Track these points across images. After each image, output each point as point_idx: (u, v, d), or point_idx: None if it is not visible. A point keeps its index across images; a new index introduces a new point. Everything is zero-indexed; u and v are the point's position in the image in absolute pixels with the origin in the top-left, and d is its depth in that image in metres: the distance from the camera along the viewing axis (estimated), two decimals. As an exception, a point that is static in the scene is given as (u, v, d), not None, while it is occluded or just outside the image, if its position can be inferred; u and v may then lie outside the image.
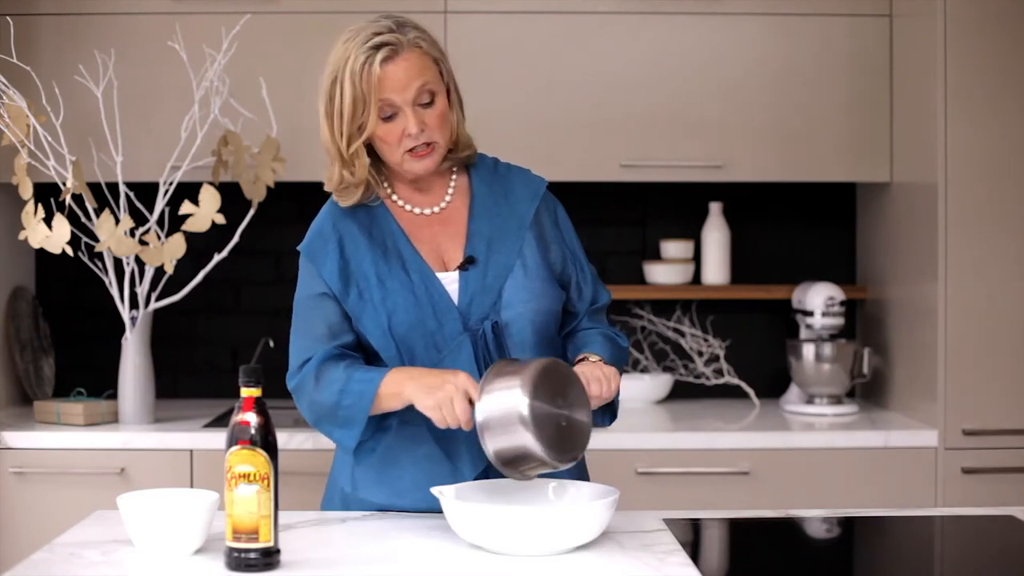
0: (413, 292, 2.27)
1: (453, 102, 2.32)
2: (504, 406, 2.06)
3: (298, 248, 2.36)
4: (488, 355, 2.27)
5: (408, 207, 2.36)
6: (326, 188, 2.36)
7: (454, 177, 2.39)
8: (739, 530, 2.21)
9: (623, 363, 2.40)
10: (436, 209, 2.36)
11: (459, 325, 2.27)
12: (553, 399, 2.09)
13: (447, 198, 2.37)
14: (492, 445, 2.07)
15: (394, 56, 2.23)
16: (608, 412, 2.36)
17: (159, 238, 3.49)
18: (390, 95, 2.23)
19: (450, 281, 2.29)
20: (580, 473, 2.37)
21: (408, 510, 2.28)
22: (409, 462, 2.28)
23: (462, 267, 2.30)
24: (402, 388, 2.18)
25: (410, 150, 2.27)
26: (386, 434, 2.29)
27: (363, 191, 2.32)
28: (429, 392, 2.14)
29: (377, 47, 2.23)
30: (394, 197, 2.36)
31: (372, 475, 2.32)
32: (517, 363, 2.13)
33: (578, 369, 2.23)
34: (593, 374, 2.22)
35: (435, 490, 2.10)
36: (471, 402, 2.11)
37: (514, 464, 2.08)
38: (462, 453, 2.26)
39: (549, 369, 2.11)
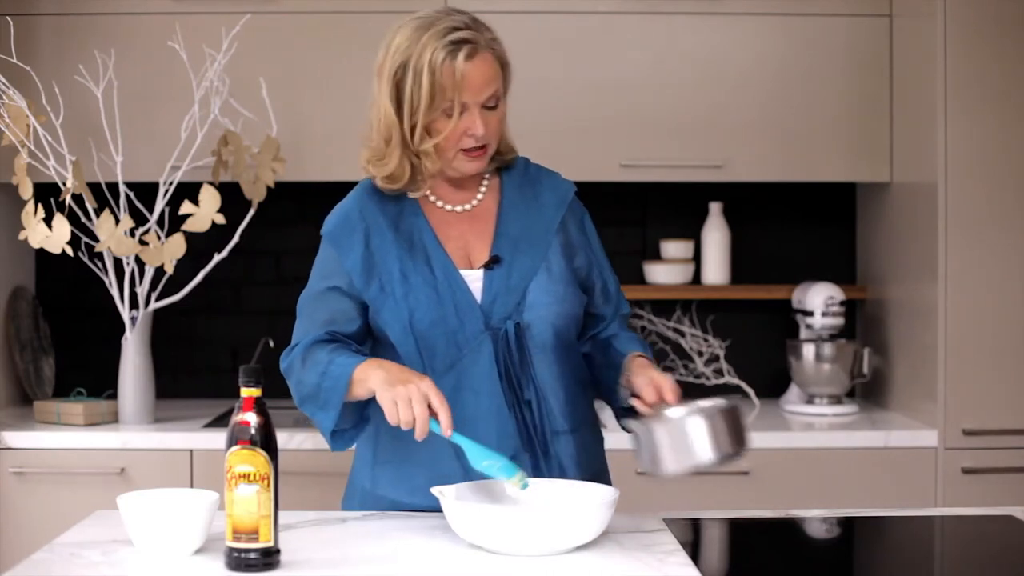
0: (436, 289, 2.26)
1: (504, 106, 2.32)
2: (691, 453, 2.03)
3: (321, 232, 2.35)
4: (509, 355, 2.27)
5: (439, 203, 2.35)
6: (372, 173, 2.33)
7: (487, 177, 2.39)
8: (739, 530, 2.21)
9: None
10: (467, 207, 2.36)
11: (480, 324, 2.26)
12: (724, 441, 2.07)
13: (479, 196, 2.37)
14: (669, 467, 2.03)
15: (474, 55, 2.22)
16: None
17: (159, 238, 3.49)
18: (465, 95, 2.22)
19: (474, 279, 2.29)
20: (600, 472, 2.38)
21: (424, 508, 2.27)
22: (426, 460, 2.27)
23: (487, 266, 2.29)
24: (368, 376, 2.15)
25: (465, 149, 2.27)
26: (406, 431, 2.27)
27: (417, 182, 2.31)
28: (390, 386, 2.10)
29: (458, 43, 2.21)
30: (426, 191, 2.36)
31: (390, 472, 2.32)
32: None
33: (652, 374, 2.21)
34: (669, 383, 2.20)
35: (435, 490, 2.10)
36: (430, 409, 2.08)
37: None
38: None
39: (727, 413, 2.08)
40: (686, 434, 2.02)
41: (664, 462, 2.04)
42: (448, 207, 2.35)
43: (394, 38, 2.27)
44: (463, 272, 2.29)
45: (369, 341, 2.36)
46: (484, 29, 2.26)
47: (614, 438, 3.33)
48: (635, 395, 2.21)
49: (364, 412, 2.29)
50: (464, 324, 2.26)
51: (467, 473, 2.20)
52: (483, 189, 2.37)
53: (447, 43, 2.20)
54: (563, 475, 2.28)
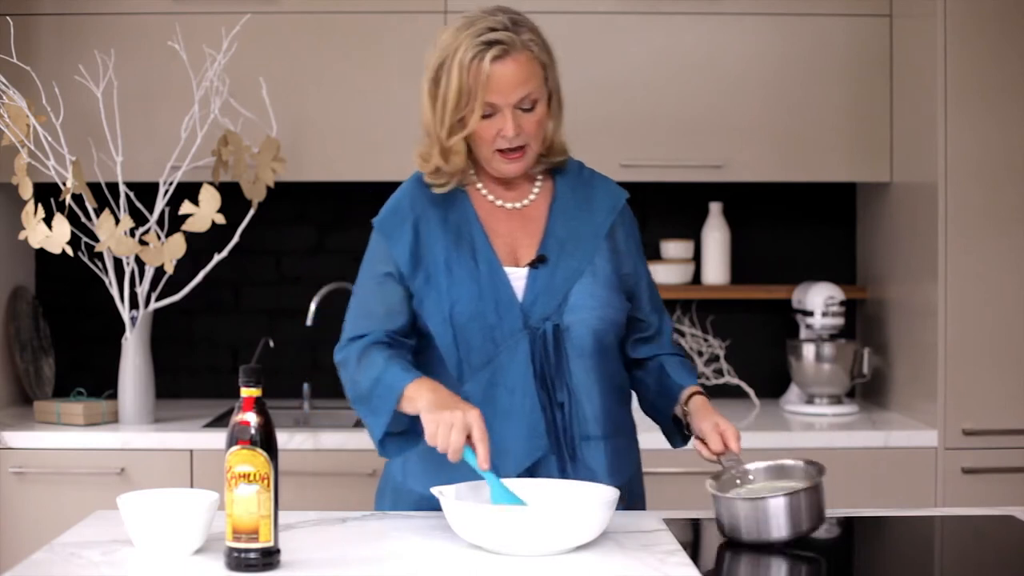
0: (478, 283, 2.27)
1: (553, 108, 2.31)
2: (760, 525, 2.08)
3: (372, 221, 2.36)
4: (545, 356, 2.27)
5: (491, 197, 2.36)
6: (419, 168, 2.35)
7: (540, 179, 2.39)
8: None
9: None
10: (518, 205, 2.36)
11: (519, 322, 2.27)
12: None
13: (531, 196, 2.37)
14: (744, 536, 2.09)
15: (504, 56, 2.22)
16: (680, 435, 2.41)
17: (159, 238, 3.49)
18: (493, 96, 2.23)
19: (518, 277, 2.30)
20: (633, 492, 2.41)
21: None
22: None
23: (532, 264, 2.30)
24: (418, 396, 2.18)
25: (501, 150, 2.27)
26: None
27: (456, 178, 2.33)
28: (437, 409, 2.13)
29: (489, 43, 2.22)
30: (479, 186, 2.36)
31: (421, 465, 2.32)
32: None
33: (716, 420, 2.26)
34: (733, 430, 2.26)
35: (435, 490, 2.10)
36: (469, 438, 2.11)
37: None
38: (509, 449, 2.25)
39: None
40: (767, 513, 2.07)
41: (740, 532, 2.09)
42: (499, 203, 2.36)
43: (441, 35, 2.29)
44: (507, 269, 2.30)
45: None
46: (525, 30, 2.26)
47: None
48: (699, 438, 2.28)
49: (416, 426, 2.26)
50: (503, 320, 2.26)
51: (498, 470, 2.20)
52: (536, 189, 2.38)
53: (478, 43, 2.21)
54: (590, 480, 2.28)
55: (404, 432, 2.27)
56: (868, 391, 3.88)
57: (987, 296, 3.37)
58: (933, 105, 3.38)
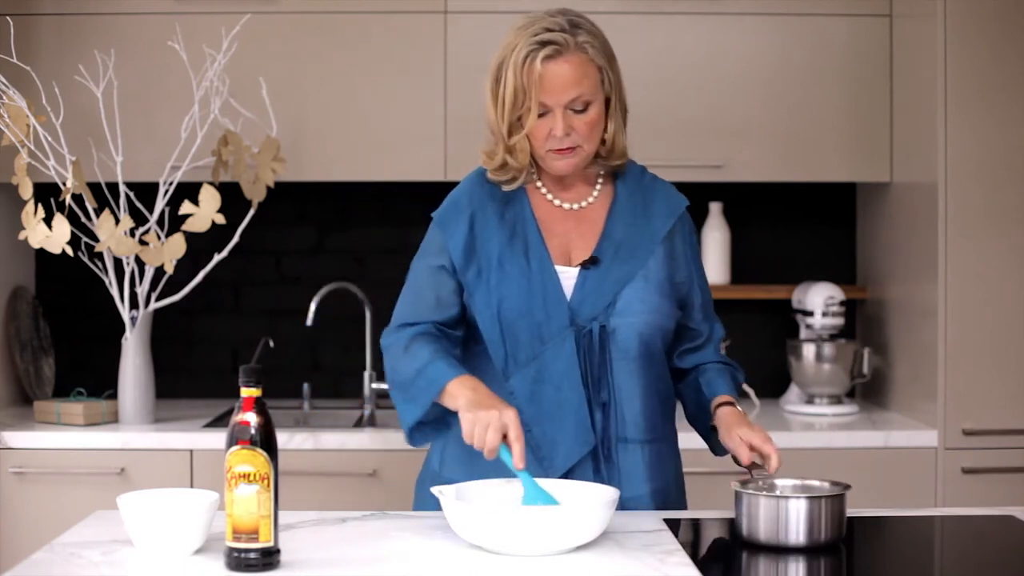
0: (528, 280, 2.29)
1: (613, 110, 2.32)
2: None
3: (432, 214, 2.38)
4: (590, 355, 2.28)
5: (550, 196, 2.37)
6: (484, 164, 2.37)
7: (600, 181, 2.40)
8: (739, 531, 2.20)
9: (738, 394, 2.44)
10: (576, 206, 2.38)
11: (566, 320, 2.28)
12: None
13: (590, 199, 2.39)
14: (761, 537, 2.09)
15: (556, 56, 2.23)
16: (719, 444, 2.39)
17: (159, 238, 3.49)
18: (544, 96, 2.24)
19: (568, 277, 2.31)
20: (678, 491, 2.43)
21: None
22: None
23: (584, 265, 2.31)
24: (459, 394, 2.20)
25: (553, 149, 2.29)
26: None
27: (523, 174, 2.34)
28: (475, 408, 2.15)
29: (543, 43, 2.23)
30: (538, 184, 2.38)
31: (459, 454, 2.32)
32: None
33: (742, 433, 2.26)
34: (762, 436, 2.26)
35: (435, 490, 2.10)
36: (505, 437, 2.13)
37: None
38: (558, 443, 2.27)
39: None
40: (787, 515, 2.07)
41: (758, 532, 2.09)
42: (557, 202, 2.37)
43: (506, 35, 2.30)
44: (558, 268, 2.31)
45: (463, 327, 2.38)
46: (582, 32, 2.27)
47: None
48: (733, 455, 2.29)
49: (447, 417, 2.30)
50: (550, 318, 2.28)
51: (540, 466, 2.24)
52: (596, 192, 2.39)
53: (533, 42, 2.23)
54: (625, 483, 2.29)
55: (434, 421, 2.30)
56: (868, 391, 3.88)
57: (987, 296, 3.37)
58: (933, 105, 3.38)
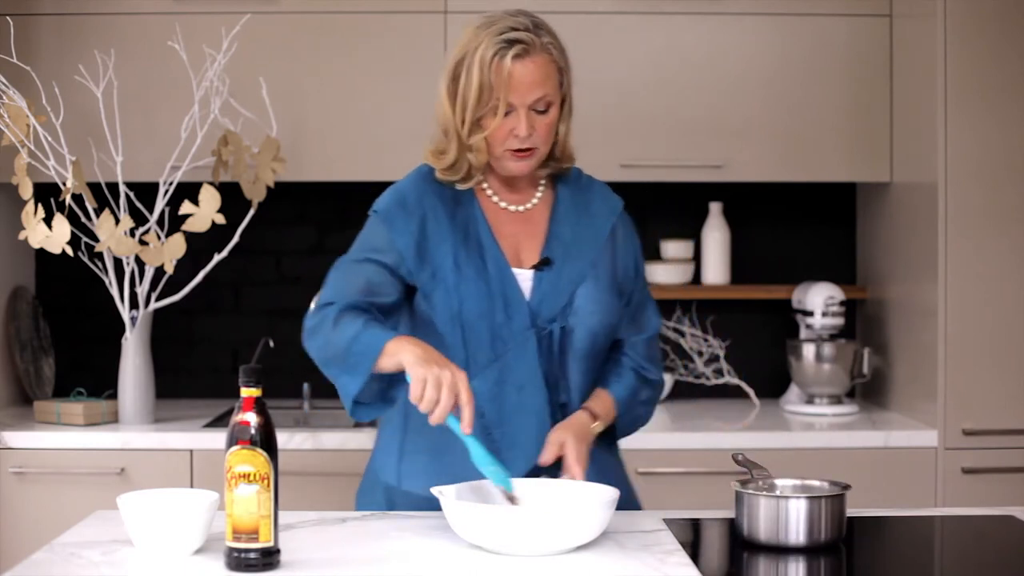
0: (487, 282, 2.28)
1: (565, 113, 2.33)
2: None
3: (373, 209, 2.34)
4: (550, 356, 2.29)
5: (496, 199, 2.37)
6: (432, 163, 2.34)
7: (542, 182, 2.40)
8: (739, 530, 2.20)
9: (640, 399, 2.41)
10: (521, 208, 2.37)
11: (527, 321, 2.28)
12: None
13: (534, 200, 2.38)
14: (760, 536, 2.09)
15: (524, 56, 2.24)
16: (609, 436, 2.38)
17: (159, 238, 3.49)
18: (510, 95, 2.23)
19: (524, 279, 2.31)
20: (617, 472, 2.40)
21: None
22: (461, 452, 2.21)
23: (538, 267, 2.31)
24: (401, 350, 2.12)
25: (511, 149, 2.28)
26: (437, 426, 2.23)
27: (477, 173, 2.32)
28: (426, 364, 2.08)
29: (510, 42, 2.23)
30: (484, 186, 2.37)
31: (420, 466, 2.31)
32: None
33: (559, 436, 2.25)
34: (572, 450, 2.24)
35: (435, 490, 2.10)
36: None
37: None
38: (520, 446, 2.27)
39: None
40: (787, 514, 2.07)
41: (758, 532, 2.09)
42: (503, 204, 2.37)
43: (462, 34, 2.30)
44: (514, 270, 2.31)
45: (403, 320, 2.34)
46: (545, 33, 2.28)
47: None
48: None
49: (389, 392, 2.24)
50: (511, 320, 2.28)
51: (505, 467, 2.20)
52: (539, 193, 2.39)
53: (500, 41, 2.23)
54: (586, 480, 2.28)
55: (378, 396, 2.22)
56: (868, 391, 3.88)
57: (987, 296, 3.37)
58: (933, 105, 3.38)
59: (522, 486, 2.17)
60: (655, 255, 3.97)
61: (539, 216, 2.38)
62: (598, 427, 2.31)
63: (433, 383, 2.07)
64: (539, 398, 2.28)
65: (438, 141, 2.34)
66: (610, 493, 2.10)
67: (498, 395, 2.27)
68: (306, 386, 3.80)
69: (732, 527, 2.20)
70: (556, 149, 2.35)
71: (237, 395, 1.94)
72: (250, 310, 3.98)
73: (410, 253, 2.29)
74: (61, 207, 3.50)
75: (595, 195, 2.43)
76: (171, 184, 3.50)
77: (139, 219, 3.65)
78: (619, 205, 2.45)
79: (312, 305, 2.34)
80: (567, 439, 2.24)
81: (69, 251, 3.35)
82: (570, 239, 2.35)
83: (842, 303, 3.73)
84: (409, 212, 2.31)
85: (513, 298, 2.28)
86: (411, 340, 2.16)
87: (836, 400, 3.71)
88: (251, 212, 3.58)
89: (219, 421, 3.54)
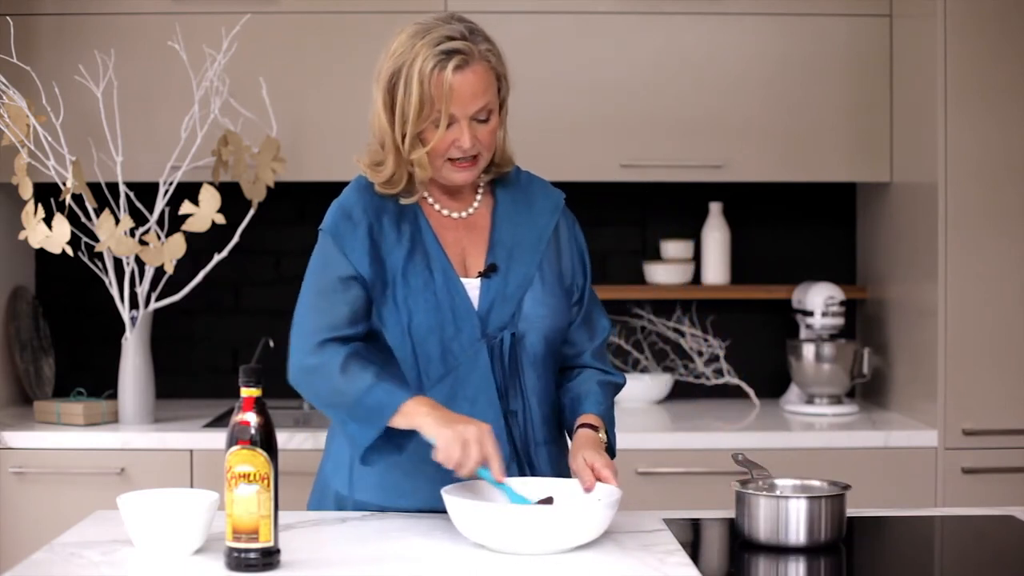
0: (435, 293, 2.25)
1: (502, 118, 2.29)
2: None
3: (321, 228, 2.31)
4: (503, 366, 2.26)
5: (438, 207, 2.33)
6: (373, 178, 2.29)
7: (481, 186, 2.37)
8: (739, 530, 2.20)
9: (612, 403, 2.39)
10: (462, 214, 2.34)
11: (477, 332, 2.25)
12: None
13: (475, 205, 2.35)
14: (760, 536, 2.09)
15: (464, 67, 2.19)
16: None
17: (159, 238, 3.49)
18: (452, 107, 2.19)
19: (471, 288, 2.27)
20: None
21: (407, 510, 2.27)
22: (413, 463, 2.23)
23: (484, 274, 2.28)
24: (416, 413, 2.12)
25: (452, 159, 2.24)
26: (388, 438, 2.23)
27: (413, 188, 2.29)
28: (448, 425, 2.09)
29: (448, 53, 2.18)
30: (425, 195, 2.33)
31: (374, 478, 2.30)
32: None
33: (586, 455, 2.20)
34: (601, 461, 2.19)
35: (444, 489, 2.10)
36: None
37: None
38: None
39: None
40: (787, 514, 2.08)
41: (758, 532, 2.09)
42: (446, 212, 2.33)
43: (393, 43, 2.25)
44: (462, 280, 2.28)
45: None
46: (481, 40, 2.23)
47: (614, 438, 3.33)
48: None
49: (396, 439, 2.20)
50: (461, 331, 2.25)
51: (451, 474, 2.17)
52: (478, 198, 2.36)
53: (438, 52, 2.17)
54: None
55: (386, 442, 2.20)
56: (868, 391, 3.88)
57: (987, 296, 3.37)
58: (933, 105, 3.38)
59: (522, 484, 2.17)
60: (655, 255, 3.97)
61: (482, 221, 2.34)
62: (603, 436, 2.29)
63: (459, 443, 2.08)
64: (492, 409, 2.25)
65: (374, 152, 2.29)
66: (612, 493, 2.10)
67: (451, 409, 2.19)
68: (306, 386, 3.80)
69: (732, 527, 2.20)
70: (496, 154, 2.31)
71: (237, 395, 1.94)
72: (250, 310, 3.98)
73: (364, 266, 2.24)
74: (61, 207, 3.50)
75: (536, 193, 2.38)
76: (171, 184, 3.50)
77: (139, 219, 3.65)
78: (560, 200, 2.39)
79: (293, 338, 2.29)
80: (588, 455, 2.20)
81: (69, 251, 3.35)
82: (513, 242, 2.31)
83: (842, 303, 3.73)
84: (356, 224, 2.27)
85: (462, 309, 2.25)
86: (426, 402, 2.14)
87: (836, 400, 3.72)
88: (251, 212, 3.58)
89: (219, 421, 3.54)
